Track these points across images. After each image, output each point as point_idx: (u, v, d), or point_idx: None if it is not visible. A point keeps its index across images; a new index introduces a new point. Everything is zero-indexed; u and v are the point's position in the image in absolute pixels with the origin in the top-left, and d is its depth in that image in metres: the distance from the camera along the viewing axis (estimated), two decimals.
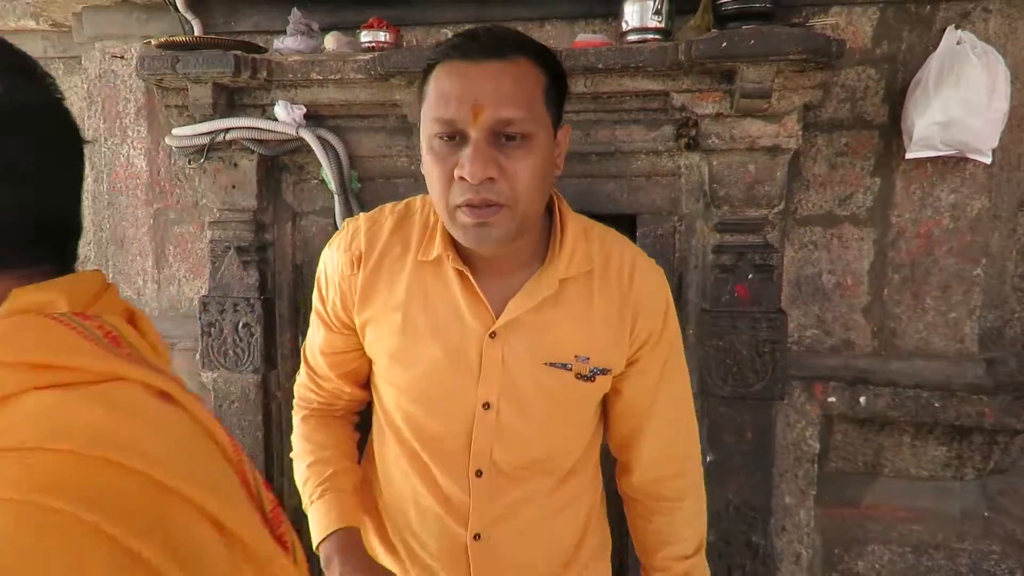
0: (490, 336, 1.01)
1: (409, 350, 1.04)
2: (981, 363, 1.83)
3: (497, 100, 0.87)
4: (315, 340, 1.17)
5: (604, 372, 1.06)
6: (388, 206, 1.12)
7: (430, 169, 0.93)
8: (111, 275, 2.28)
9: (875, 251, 1.86)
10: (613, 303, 1.04)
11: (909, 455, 1.89)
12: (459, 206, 0.90)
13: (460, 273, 1.01)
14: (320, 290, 1.13)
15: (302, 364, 1.23)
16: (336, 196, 1.88)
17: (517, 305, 1.01)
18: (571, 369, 1.03)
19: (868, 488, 1.95)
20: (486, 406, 1.04)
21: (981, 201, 1.79)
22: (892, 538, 1.94)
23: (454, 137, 0.90)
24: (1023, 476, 1.92)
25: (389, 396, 1.12)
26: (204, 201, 2.01)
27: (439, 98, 0.90)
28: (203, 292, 2.07)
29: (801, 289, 1.90)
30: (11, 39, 2.00)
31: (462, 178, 0.89)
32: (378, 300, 1.05)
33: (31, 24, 2.30)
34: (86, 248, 2.45)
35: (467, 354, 1.03)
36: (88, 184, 2.34)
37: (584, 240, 1.04)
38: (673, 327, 1.10)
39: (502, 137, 0.89)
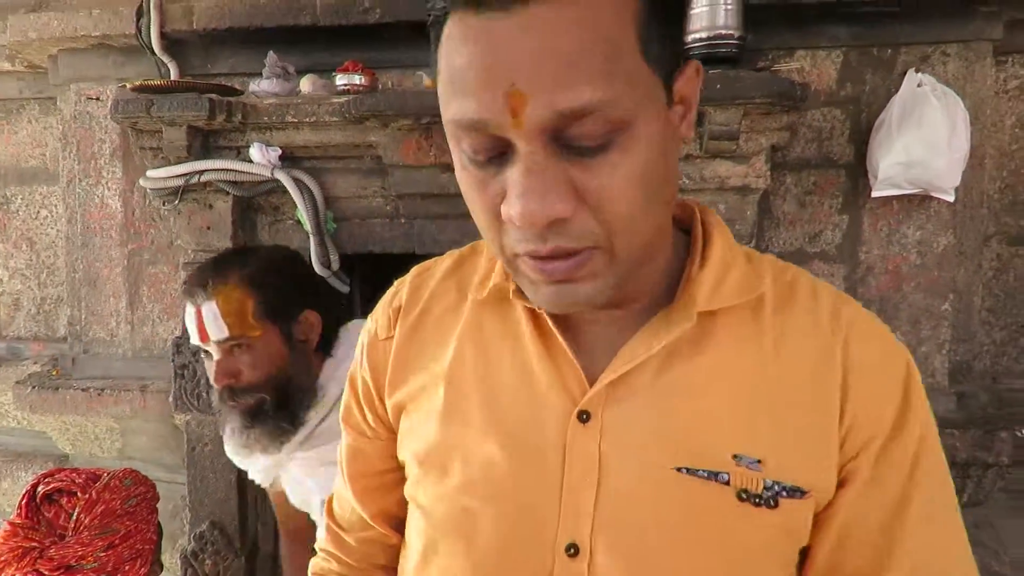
0: (579, 418, 0.59)
1: (447, 446, 0.64)
2: (952, 397, 1.86)
3: (551, 78, 0.46)
4: (342, 467, 0.79)
5: (796, 493, 0.58)
6: (455, 250, 0.77)
7: (465, 193, 0.58)
8: (84, 316, 2.25)
9: (845, 287, 1.89)
10: (805, 363, 0.60)
11: None
12: (519, 255, 0.54)
13: (533, 313, 0.64)
14: (351, 381, 0.76)
15: (321, 526, 0.87)
16: (312, 236, 1.88)
17: (626, 359, 0.59)
18: (729, 481, 0.58)
19: None
20: (572, 551, 0.59)
21: (946, 238, 1.83)
22: None
23: (492, 151, 0.51)
24: (998, 509, 1.93)
25: (414, 533, 0.70)
26: (179, 242, 2.01)
27: (452, 83, 0.51)
28: (177, 333, 2.05)
29: None
30: None
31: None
32: (418, 370, 0.68)
33: (6, 66, 2.30)
34: (58, 288, 2.43)
35: (541, 451, 0.61)
36: (62, 224, 2.33)
37: (744, 260, 0.64)
38: (921, 412, 0.61)
39: (573, 141, 0.49)
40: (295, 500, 1.38)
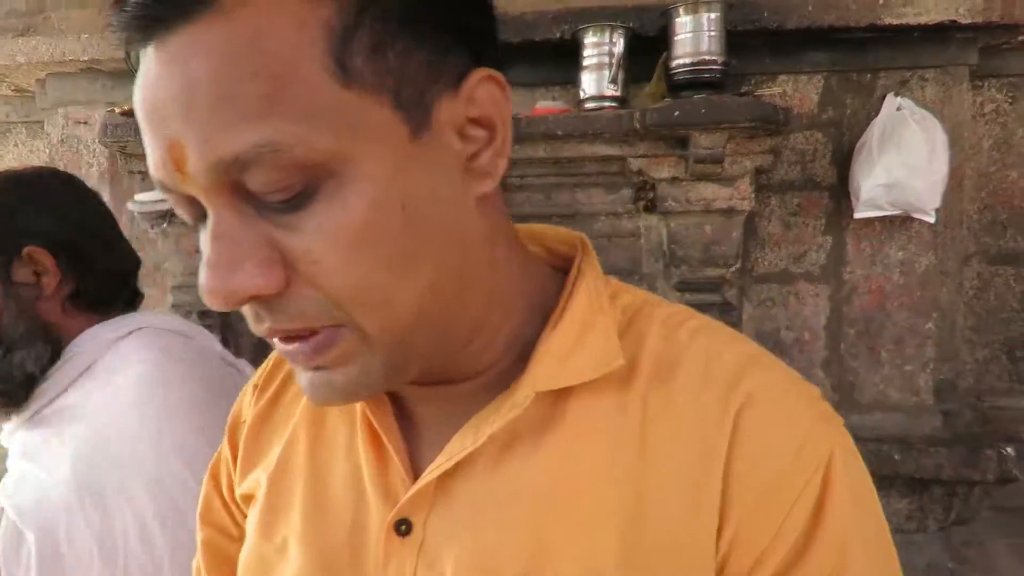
0: (396, 529, 0.46)
1: (259, 563, 0.53)
2: (937, 415, 1.88)
3: (204, 120, 0.36)
4: (199, 570, 0.64)
5: None
6: None
7: None
8: None
9: (830, 307, 1.91)
10: (679, 456, 0.43)
11: None
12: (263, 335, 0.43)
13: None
14: (214, 470, 0.64)
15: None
16: None
17: (453, 451, 0.45)
18: None
19: None
20: None
21: (928, 258, 1.86)
22: None
23: (194, 213, 0.41)
24: (987, 528, 1.95)
25: None
26: (166, 265, 2.00)
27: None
28: None
29: (761, 345, 1.94)
30: None
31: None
32: (261, 460, 0.57)
33: None
34: None
35: (360, 567, 0.48)
36: None
37: (611, 318, 0.47)
38: (843, 513, 0.43)
39: (263, 196, 0.37)
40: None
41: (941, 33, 1.78)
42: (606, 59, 1.71)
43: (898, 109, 1.77)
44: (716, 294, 1.78)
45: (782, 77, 1.88)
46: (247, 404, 0.60)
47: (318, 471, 0.52)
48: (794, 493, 0.42)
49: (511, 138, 0.43)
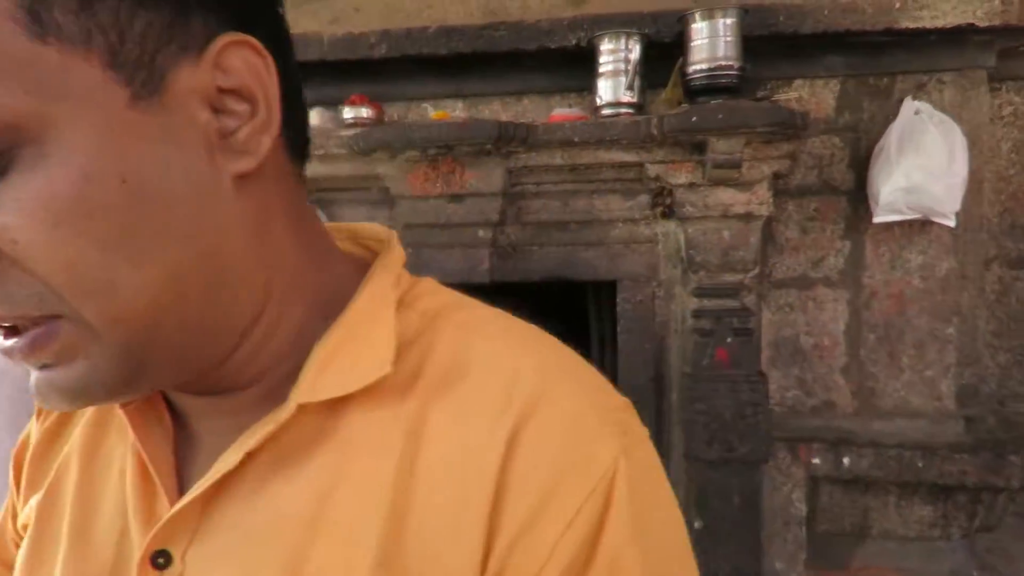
0: (152, 563, 0.40)
1: None
2: (960, 421, 1.86)
3: None
4: None
5: None
6: None
7: None
8: None
9: (849, 312, 1.90)
10: (447, 473, 0.39)
11: (895, 515, 1.88)
12: None
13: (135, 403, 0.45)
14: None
15: None
16: None
17: (218, 469, 0.40)
18: None
19: (857, 550, 1.93)
20: None
21: (948, 262, 1.85)
22: None
23: None
24: (1011, 534, 1.92)
25: None
26: None
27: None
28: None
29: (780, 351, 1.93)
30: None
31: None
32: (39, 486, 0.51)
33: None
34: None
35: None
36: None
37: (386, 322, 0.42)
38: (623, 529, 0.38)
39: None
40: None
41: (958, 36, 1.77)
42: (622, 65, 1.72)
43: (916, 113, 1.76)
44: (734, 300, 1.78)
45: (798, 82, 1.88)
46: (34, 424, 0.53)
47: (87, 499, 0.46)
48: (569, 513, 0.38)
49: (279, 113, 0.38)
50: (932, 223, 1.81)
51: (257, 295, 0.40)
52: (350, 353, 0.41)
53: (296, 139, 0.44)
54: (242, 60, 0.37)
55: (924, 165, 1.70)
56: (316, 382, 0.39)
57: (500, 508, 0.38)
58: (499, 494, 0.38)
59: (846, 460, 1.82)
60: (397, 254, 0.47)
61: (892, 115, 1.81)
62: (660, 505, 0.42)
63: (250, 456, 0.39)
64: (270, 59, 0.38)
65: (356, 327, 0.42)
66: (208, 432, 0.44)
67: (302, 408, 0.39)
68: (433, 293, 0.47)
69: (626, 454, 0.39)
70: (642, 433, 0.43)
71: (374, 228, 0.50)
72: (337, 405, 0.40)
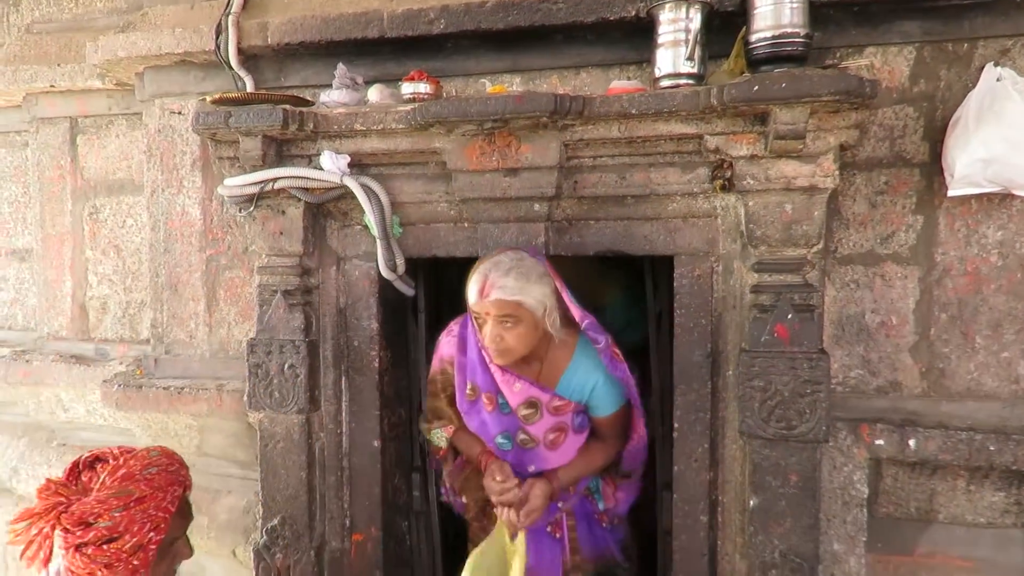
0: None
1: None
2: None
3: None
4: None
5: None
6: None
7: None
8: (165, 318, 2.38)
9: (920, 289, 1.83)
10: None
11: (964, 501, 1.81)
12: None
13: None
14: None
15: None
16: (378, 241, 1.94)
17: None
18: None
19: (922, 535, 1.87)
20: None
21: None
22: None
23: None
24: None
25: None
26: (253, 247, 2.10)
27: None
28: (251, 335, 2.14)
29: (844, 329, 1.87)
30: (78, 98, 2.16)
31: None
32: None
33: (97, 84, 2.46)
34: (142, 293, 2.57)
35: None
36: (146, 232, 2.46)
37: None
38: None
39: None
40: None
41: None
42: (682, 35, 1.67)
43: (998, 80, 1.66)
44: (796, 275, 1.73)
45: (869, 49, 1.80)
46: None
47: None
48: None
49: None
50: (1012, 197, 1.72)
51: None
52: None
53: None
54: None
55: (1006, 135, 1.61)
56: None
57: None
58: None
59: (912, 442, 1.76)
60: None
61: (971, 83, 1.72)
62: None
63: None
64: None
65: None
66: None
67: None
68: None
69: None
70: None
71: None
72: None
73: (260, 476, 2.13)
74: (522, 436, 1.92)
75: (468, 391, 1.94)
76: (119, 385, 2.35)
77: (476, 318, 1.76)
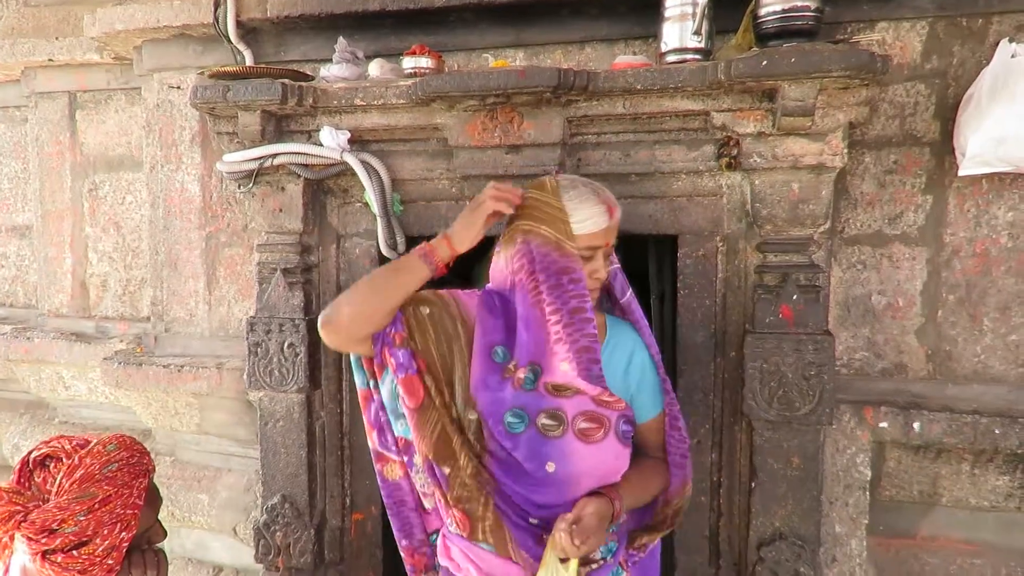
0: None
1: None
2: None
3: None
4: None
5: None
6: None
7: None
8: (165, 296, 2.36)
9: (928, 271, 1.80)
10: None
11: (968, 484, 1.80)
12: None
13: None
14: None
15: None
16: (379, 219, 1.91)
17: None
18: None
19: (924, 518, 1.86)
20: None
21: None
22: (951, 572, 1.84)
23: None
24: None
25: None
26: (253, 224, 2.08)
27: None
28: (251, 313, 2.13)
29: (850, 310, 1.85)
30: (77, 72, 2.12)
31: None
32: None
33: (95, 58, 2.42)
34: (142, 270, 2.55)
35: None
36: (145, 209, 2.44)
37: None
38: None
39: None
40: None
41: None
42: (689, 9, 1.63)
43: (1013, 56, 1.62)
44: (802, 255, 1.70)
45: (881, 24, 1.76)
46: None
47: None
48: None
49: None
50: None
51: None
52: None
53: None
54: None
55: (1020, 113, 1.57)
56: None
57: None
58: None
59: (916, 425, 1.74)
60: None
61: (985, 60, 1.68)
62: None
63: None
64: None
65: None
66: None
67: None
68: None
69: None
70: None
71: None
72: None
73: (260, 455, 2.12)
74: (544, 420, 1.24)
75: (495, 353, 1.30)
76: (119, 363, 2.34)
77: (584, 254, 1.26)
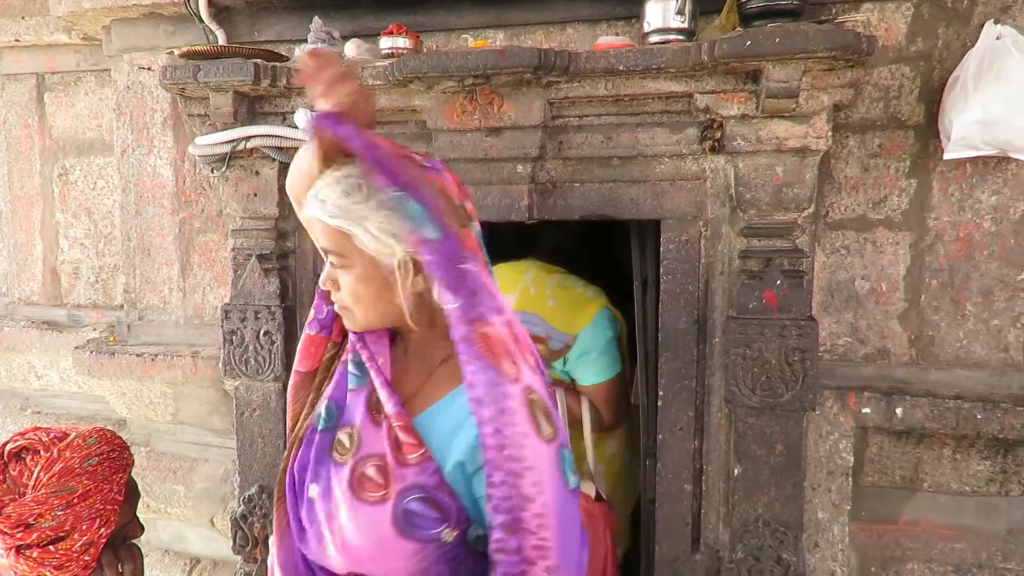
0: None
1: None
2: None
3: None
4: None
5: None
6: None
7: None
8: (137, 283, 2.31)
9: (911, 256, 1.79)
10: None
11: (950, 469, 1.80)
12: None
13: None
14: None
15: None
16: None
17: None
18: None
19: (906, 503, 1.86)
20: None
21: None
22: (932, 556, 1.84)
23: None
24: None
25: None
26: (227, 210, 2.03)
27: None
28: (226, 300, 2.08)
29: (833, 296, 1.83)
30: (45, 53, 2.05)
31: None
32: None
33: (63, 39, 2.35)
34: (115, 257, 2.49)
35: None
36: (116, 195, 2.38)
37: None
38: None
39: None
40: None
41: None
42: None
43: (998, 38, 1.60)
44: (786, 240, 1.68)
45: (867, 5, 1.73)
46: None
47: None
48: None
49: None
50: (1009, 160, 1.67)
51: None
52: None
53: None
54: None
55: (1005, 95, 1.55)
56: None
57: None
58: None
59: (899, 410, 1.73)
60: None
61: (971, 41, 1.65)
62: None
63: None
64: None
65: None
66: None
67: None
68: None
69: None
70: None
71: None
72: None
73: (237, 445, 2.08)
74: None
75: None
76: (92, 352, 2.28)
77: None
